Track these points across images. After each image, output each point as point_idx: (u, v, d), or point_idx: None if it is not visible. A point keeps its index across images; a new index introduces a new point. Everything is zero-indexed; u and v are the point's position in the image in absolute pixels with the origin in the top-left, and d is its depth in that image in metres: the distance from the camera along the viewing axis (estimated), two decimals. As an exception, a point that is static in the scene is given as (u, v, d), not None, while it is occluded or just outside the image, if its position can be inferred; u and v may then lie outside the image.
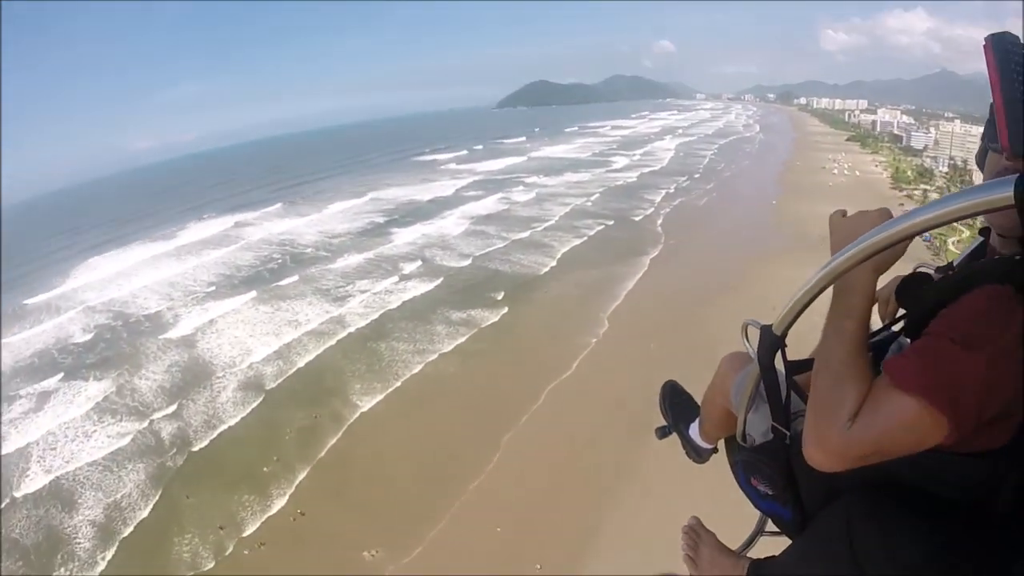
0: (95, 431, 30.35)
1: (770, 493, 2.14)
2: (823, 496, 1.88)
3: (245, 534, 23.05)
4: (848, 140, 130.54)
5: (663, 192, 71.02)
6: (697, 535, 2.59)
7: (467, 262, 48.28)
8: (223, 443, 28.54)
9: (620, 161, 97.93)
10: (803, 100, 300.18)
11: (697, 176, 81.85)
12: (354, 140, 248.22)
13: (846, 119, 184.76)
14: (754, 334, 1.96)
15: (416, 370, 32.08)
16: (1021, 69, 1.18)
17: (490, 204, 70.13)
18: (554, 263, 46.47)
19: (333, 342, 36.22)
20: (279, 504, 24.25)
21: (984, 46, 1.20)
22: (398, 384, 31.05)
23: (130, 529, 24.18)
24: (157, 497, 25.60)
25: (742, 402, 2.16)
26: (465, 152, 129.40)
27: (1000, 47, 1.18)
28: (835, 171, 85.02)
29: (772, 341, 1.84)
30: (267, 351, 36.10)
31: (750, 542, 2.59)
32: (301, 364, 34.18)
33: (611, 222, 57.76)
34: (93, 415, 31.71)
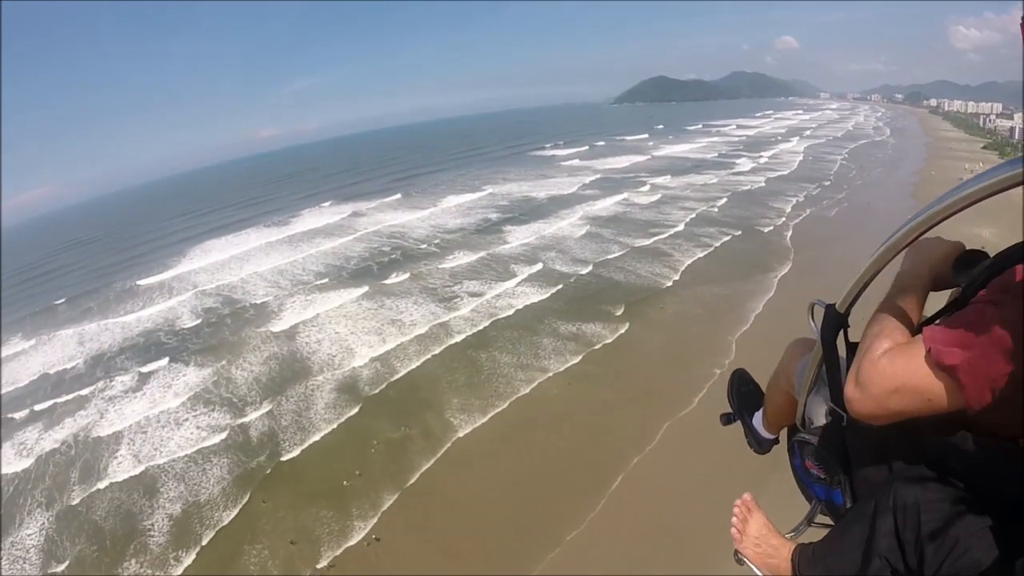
0: (188, 421, 30.00)
1: (823, 477, 2.29)
2: (875, 481, 1.97)
3: (315, 553, 21.42)
4: (984, 148, 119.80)
5: (792, 200, 66.36)
6: (748, 511, 2.64)
7: (584, 269, 45.47)
8: (308, 449, 27.26)
9: (746, 164, 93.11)
10: (933, 102, 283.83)
11: (827, 184, 76.43)
12: (471, 133, 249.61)
13: (980, 124, 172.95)
14: (820, 314, 2.07)
15: (521, 392, 29.54)
16: None
17: (610, 205, 67.01)
18: (677, 276, 43.13)
19: (436, 351, 34.28)
20: (355, 525, 22.47)
21: (1021, 24, 1.24)
22: (500, 408, 28.53)
23: (207, 531, 23.16)
24: (238, 499, 24.50)
25: (804, 384, 2.39)
26: (585, 148, 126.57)
27: None
28: None
29: (835, 319, 2.01)
30: (367, 353, 34.66)
31: (800, 528, 2.62)
32: (400, 372, 32.51)
33: (738, 232, 53.87)
34: (189, 405, 31.38)
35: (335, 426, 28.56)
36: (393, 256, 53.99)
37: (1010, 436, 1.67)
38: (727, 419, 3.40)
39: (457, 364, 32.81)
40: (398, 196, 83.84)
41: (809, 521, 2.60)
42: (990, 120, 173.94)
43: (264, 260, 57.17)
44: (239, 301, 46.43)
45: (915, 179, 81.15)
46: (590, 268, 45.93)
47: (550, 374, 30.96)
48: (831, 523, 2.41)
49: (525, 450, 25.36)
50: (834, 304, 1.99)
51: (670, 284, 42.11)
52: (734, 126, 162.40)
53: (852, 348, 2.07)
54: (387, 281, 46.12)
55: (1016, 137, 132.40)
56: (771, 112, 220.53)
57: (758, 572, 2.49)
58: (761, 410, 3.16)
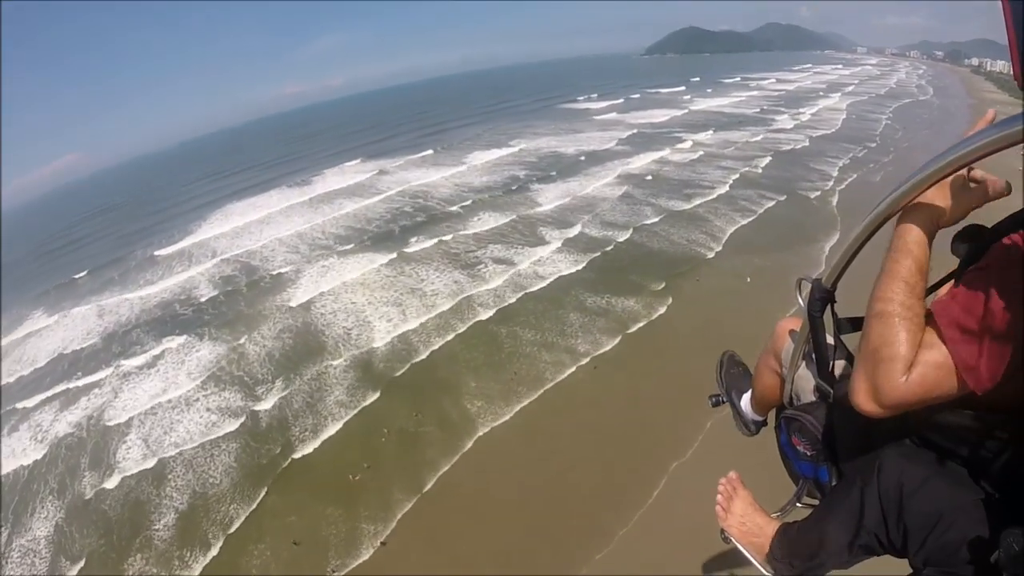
0: (200, 405, 28.18)
1: (809, 454, 2.34)
2: (861, 458, 2.03)
3: (317, 558, 19.42)
4: None
5: (837, 163, 62.85)
6: (734, 489, 2.77)
7: (621, 236, 42.32)
8: (322, 441, 25.00)
9: (787, 121, 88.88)
10: (975, 61, 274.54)
11: (873, 146, 72.57)
12: (500, 85, 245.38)
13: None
14: (807, 289, 2.14)
15: (549, 382, 26.75)
16: None
17: (647, 164, 63.44)
18: (720, 247, 40.01)
19: (461, 328, 31.80)
20: (362, 527, 20.35)
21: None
22: (526, 402, 25.73)
23: (216, 533, 21.27)
24: (249, 497, 22.51)
25: (792, 361, 2.47)
26: (619, 101, 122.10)
27: None
28: (1021, 152, 73.22)
29: (822, 294, 2.08)
30: (386, 328, 32.35)
31: (787, 508, 2.71)
32: (421, 354, 30.02)
33: (782, 197, 50.60)
34: (202, 387, 29.52)
35: (351, 415, 26.27)
36: (416, 218, 51.39)
37: (1007, 409, 1.66)
38: (715, 401, 3.65)
39: (481, 345, 30.26)
40: (423, 153, 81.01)
41: (797, 500, 2.64)
42: None
43: (285, 224, 54.98)
44: (257, 269, 44.37)
45: None
46: (627, 235, 42.86)
47: (582, 361, 28.13)
48: (817, 504, 2.41)
49: (552, 452, 22.69)
50: (820, 279, 2.05)
51: (712, 256, 39.09)
52: (773, 79, 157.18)
53: (839, 323, 2.14)
54: (409, 247, 43.60)
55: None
56: (809, 66, 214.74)
57: (743, 550, 2.52)
58: (749, 392, 3.28)
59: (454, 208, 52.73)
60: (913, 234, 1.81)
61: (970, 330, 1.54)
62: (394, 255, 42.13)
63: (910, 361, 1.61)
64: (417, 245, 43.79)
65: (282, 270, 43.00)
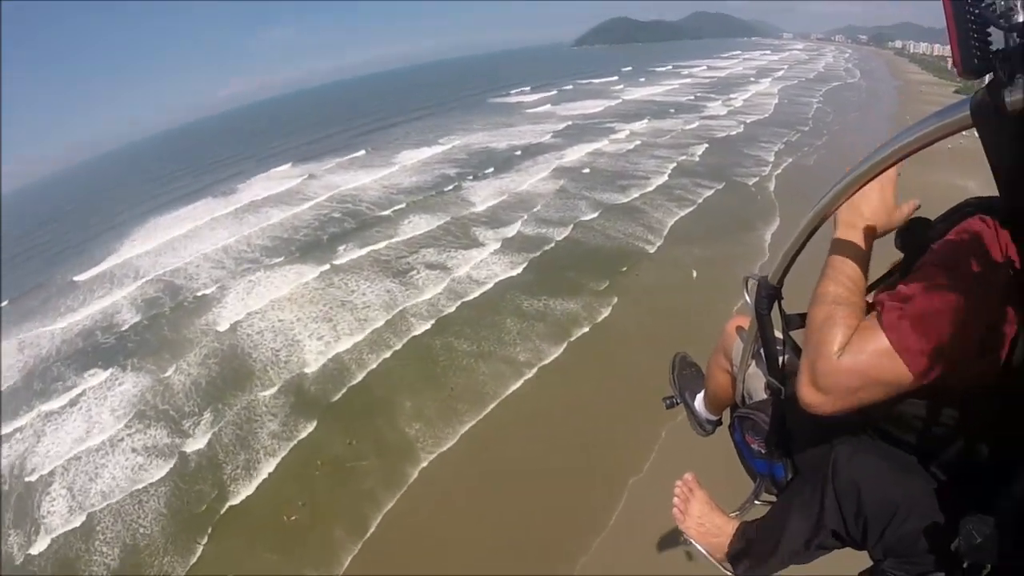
0: (127, 447, 25.68)
1: (764, 451, 2.32)
2: (815, 453, 2.01)
3: None
4: (956, 92, 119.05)
5: (772, 148, 63.06)
6: (690, 490, 2.75)
7: (559, 234, 40.83)
8: (256, 483, 22.66)
9: (721, 108, 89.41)
10: (898, 44, 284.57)
11: (806, 129, 73.42)
12: (431, 81, 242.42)
13: (949, 67, 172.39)
14: (755, 287, 2.10)
15: (495, 400, 24.78)
16: None
17: (582, 157, 62.28)
18: (661, 241, 38.88)
19: (397, 345, 29.68)
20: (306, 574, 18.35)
21: None
22: (472, 423, 23.70)
23: None
24: (182, 549, 20.17)
25: (742, 360, 2.46)
26: (551, 93, 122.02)
27: None
28: None
29: (769, 292, 2.05)
30: (317, 349, 30.23)
31: (746, 507, 2.69)
32: (355, 377, 27.88)
33: (720, 185, 50.12)
34: (127, 426, 27.02)
35: (287, 449, 24.04)
36: (346, 225, 49.14)
37: (959, 397, 1.68)
38: (669, 403, 3.58)
39: (419, 362, 28.25)
40: (354, 154, 78.60)
41: (755, 498, 2.59)
42: None
43: (210, 238, 52.09)
44: (181, 289, 41.63)
45: (891, 124, 78.30)
46: (566, 233, 41.38)
47: (528, 374, 26.31)
48: (772, 500, 2.42)
49: (503, 478, 20.81)
50: (766, 276, 2.02)
51: (654, 250, 37.94)
52: (704, 67, 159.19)
53: (788, 320, 2.11)
54: (339, 257, 41.41)
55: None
56: (739, 52, 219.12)
57: (703, 551, 2.53)
58: (703, 392, 3.27)
59: (385, 212, 50.65)
60: (854, 228, 1.84)
61: (908, 315, 1.53)
62: (324, 266, 40.01)
63: (844, 343, 1.60)
64: (347, 254, 41.71)
65: (207, 290, 40.44)
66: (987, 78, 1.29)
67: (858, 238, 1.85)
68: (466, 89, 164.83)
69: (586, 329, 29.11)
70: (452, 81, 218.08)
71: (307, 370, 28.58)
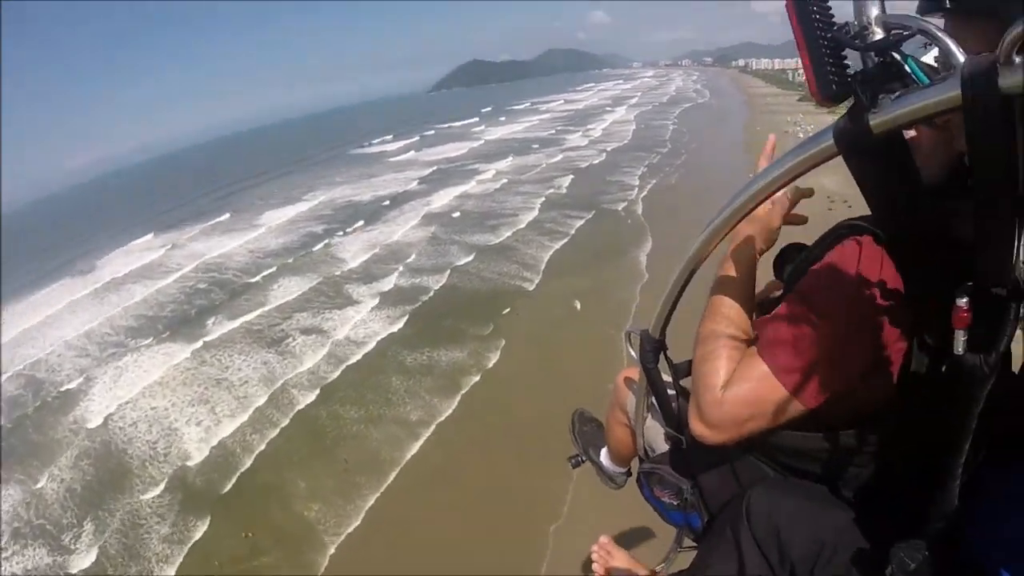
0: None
1: (675, 503, 2.28)
2: (728, 498, 1.96)
3: None
4: (800, 100, 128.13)
5: (635, 173, 65.08)
6: (608, 553, 2.73)
7: (436, 283, 39.88)
8: None
9: (582, 139, 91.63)
10: (741, 62, 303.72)
11: (665, 151, 76.18)
12: (289, 137, 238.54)
13: (790, 79, 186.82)
14: (638, 341, 2.07)
15: (395, 469, 23.17)
16: (819, 19, 1.23)
17: (450, 201, 62.00)
18: (539, 277, 38.67)
19: (283, 422, 27.57)
20: None
21: (785, 5, 1.25)
22: (374, 498, 21.93)
23: None
24: None
25: (637, 414, 2.42)
26: (413, 139, 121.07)
27: (799, 4, 1.23)
28: (800, 134, 77.98)
29: (652, 344, 2.03)
30: (196, 436, 27.81)
31: (670, 557, 2.62)
32: (243, 465, 25.62)
33: (590, 214, 50.80)
34: (3, 552, 23.76)
35: (182, 556, 21.57)
36: (214, 296, 46.57)
37: (851, 425, 1.69)
38: (575, 462, 3.45)
39: (308, 437, 26.44)
40: (217, 219, 75.33)
41: (677, 547, 2.57)
42: (798, 74, 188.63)
43: (71, 322, 48.21)
44: (44, 384, 38.02)
45: (744, 135, 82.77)
46: (443, 280, 40.46)
47: (424, 435, 24.94)
48: (695, 545, 2.39)
49: (419, 554, 19.05)
50: (647, 329, 2.02)
51: (533, 287, 37.57)
52: (561, 101, 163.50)
53: (676, 369, 2.11)
54: (209, 332, 39.01)
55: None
56: (593, 84, 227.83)
57: None
58: (606, 446, 3.20)
59: (253, 279, 48.40)
60: (731, 264, 1.85)
61: (782, 338, 1.57)
62: (194, 344, 37.54)
63: (727, 377, 1.63)
64: (218, 328, 39.39)
65: (72, 383, 37.04)
66: (847, 102, 1.28)
67: (734, 270, 1.84)
68: (324, 143, 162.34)
69: (477, 378, 28.09)
70: (308, 136, 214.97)
71: (191, 462, 26.32)
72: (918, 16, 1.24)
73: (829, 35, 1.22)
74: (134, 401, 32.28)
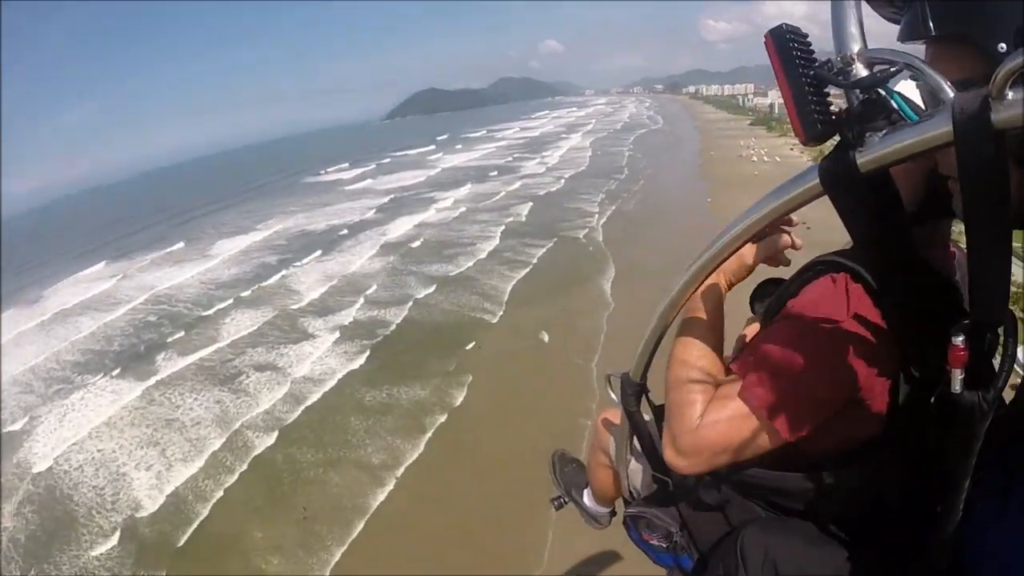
0: None
1: (664, 546, 2.21)
2: (718, 538, 1.94)
3: None
4: (751, 125, 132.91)
5: (594, 199, 65.56)
6: None
7: (397, 317, 38.73)
8: None
9: (539, 166, 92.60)
10: (691, 89, 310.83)
11: (622, 177, 77.17)
12: (243, 164, 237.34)
13: (741, 104, 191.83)
14: (618, 385, 2.05)
15: (360, 521, 21.73)
16: (800, 56, 1.21)
17: (409, 230, 61.30)
18: (503, 309, 37.90)
19: (240, 467, 26.01)
20: None
21: (765, 42, 1.23)
22: (338, 554, 20.48)
23: None
24: None
25: (620, 457, 2.38)
26: (371, 167, 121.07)
27: (779, 39, 1.21)
28: (754, 158, 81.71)
29: (633, 388, 2.00)
30: (147, 483, 26.14)
31: None
32: (195, 508, 24.11)
33: (551, 242, 50.48)
34: None
35: None
36: (165, 330, 44.72)
37: (830, 460, 1.70)
38: (558, 504, 3.38)
39: (267, 485, 24.94)
40: (169, 248, 73.29)
41: None
42: (748, 99, 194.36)
43: (16, 357, 45.71)
44: (-11, 422, 36.63)
45: (699, 160, 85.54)
46: (404, 314, 39.39)
47: (389, 483, 23.56)
48: None
49: None
50: (628, 373, 2.02)
51: (497, 319, 36.78)
52: (517, 128, 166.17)
53: (658, 412, 2.10)
54: (160, 368, 37.26)
55: (776, 112, 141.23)
56: (547, 112, 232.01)
57: None
58: (589, 487, 3.15)
59: (206, 312, 46.71)
60: (699, 305, 1.85)
61: (757, 374, 1.56)
62: (144, 381, 35.78)
63: (702, 409, 1.64)
64: (169, 364, 37.68)
65: (16, 424, 34.96)
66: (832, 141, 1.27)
67: (702, 311, 1.85)
68: (278, 170, 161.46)
69: (443, 418, 27.02)
70: (262, 164, 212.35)
71: (142, 512, 24.67)
72: (902, 50, 1.22)
73: (812, 72, 1.19)
74: (81, 443, 30.59)
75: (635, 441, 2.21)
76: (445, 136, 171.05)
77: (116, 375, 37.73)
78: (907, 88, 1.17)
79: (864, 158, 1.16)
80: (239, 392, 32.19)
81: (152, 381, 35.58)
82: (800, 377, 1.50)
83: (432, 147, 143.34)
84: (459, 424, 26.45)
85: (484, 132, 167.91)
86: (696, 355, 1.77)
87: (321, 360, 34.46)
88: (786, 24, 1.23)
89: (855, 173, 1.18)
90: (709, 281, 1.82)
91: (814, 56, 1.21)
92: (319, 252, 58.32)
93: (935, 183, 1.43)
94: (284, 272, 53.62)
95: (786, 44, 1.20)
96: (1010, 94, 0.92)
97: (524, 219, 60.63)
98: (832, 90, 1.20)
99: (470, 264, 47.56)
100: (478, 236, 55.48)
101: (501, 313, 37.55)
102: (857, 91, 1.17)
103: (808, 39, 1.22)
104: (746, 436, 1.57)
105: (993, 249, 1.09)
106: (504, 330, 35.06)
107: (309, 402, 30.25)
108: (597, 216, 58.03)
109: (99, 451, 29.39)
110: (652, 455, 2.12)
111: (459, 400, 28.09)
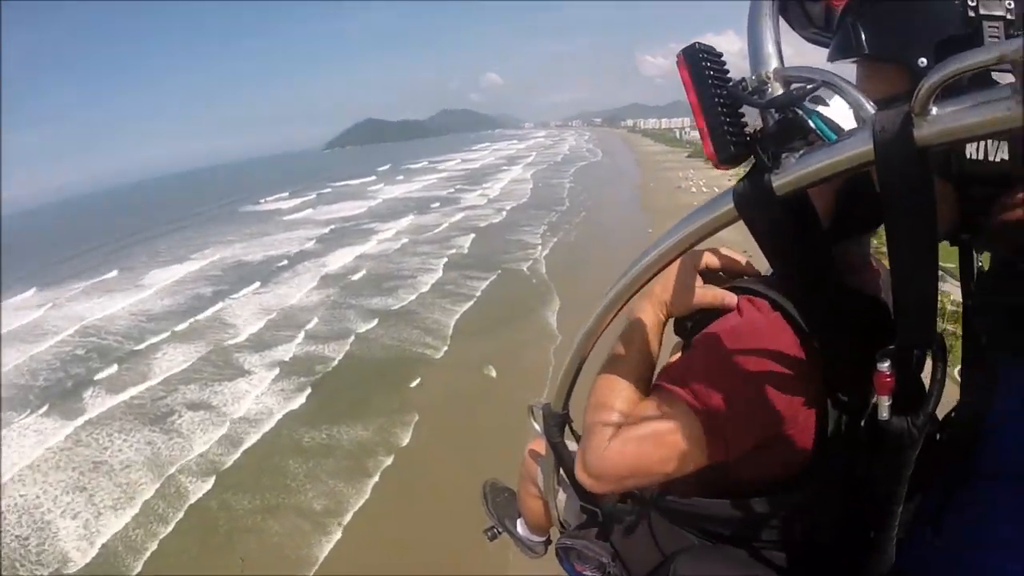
0: None
1: None
2: (652, 567, 1.91)
3: None
4: (689, 157, 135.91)
5: (537, 231, 65.94)
6: None
7: (338, 353, 37.78)
8: None
9: (481, 198, 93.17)
10: (630, 122, 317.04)
11: (564, 209, 78.16)
12: (179, 191, 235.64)
13: (678, 137, 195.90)
14: (540, 415, 2.01)
15: (311, 572, 20.84)
16: (713, 76, 1.18)
17: (349, 262, 60.35)
18: (447, 344, 37.29)
19: (176, 516, 24.66)
20: None
21: (677, 61, 1.21)
22: None
23: None
24: None
25: (548, 487, 2.31)
26: (311, 196, 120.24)
27: (691, 58, 1.19)
28: (692, 189, 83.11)
29: (555, 418, 1.94)
30: (74, 532, 24.70)
31: None
32: (127, 565, 22.62)
33: (494, 275, 50.46)
34: None
35: None
36: (93, 364, 42.72)
37: (760, 488, 1.63)
38: (492, 534, 3.24)
39: (203, 536, 23.54)
40: (101, 277, 70.76)
41: None
42: (685, 132, 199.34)
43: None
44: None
45: (639, 191, 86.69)
46: (345, 349, 38.46)
47: (336, 533, 22.51)
48: None
49: None
50: (549, 403, 1.97)
51: (441, 355, 36.21)
52: (458, 160, 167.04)
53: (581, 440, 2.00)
54: (87, 406, 35.49)
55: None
56: (488, 144, 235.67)
57: None
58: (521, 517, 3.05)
59: (137, 346, 44.89)
60: (633, 327, 1.77)
61: (677, 403, 1.48)
62: (72, 421, 34.02)
63: (614, 431, 1.57)
64: (97, 402, 35.90)
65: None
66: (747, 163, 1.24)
67: (638, 333, 1.74)
68: (216, 199, 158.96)
69: (389, 460, 26.26)
70: (199, 191, 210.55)
71: (70, 567, 23.22)
72: (821, 68, 1.18)
73: (725, 92, 1.16)
74: (3, 488, 28.71)
75: (562, 471, 2.13)
76: (386, 167, 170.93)
77: (42, 413, 35.88)
78: (839, 107, 1.10)
79: (780, 180, 1.13)
80: (172, 433, 30.80)
81: (80, 421, 33.88)
82: (713, 409, 1.41)
83: (373, 177, 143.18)
84: (406, 466, 25.67)
85: (425, 163, 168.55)
86: (616, 385, 1.66)
87: (258, 399, 33.26)
88: (699, 43, 1.19)
89: (770, 196, 1.15)
90: (643, 312, 1.75)
91: (728, 76, 1.18)
92: (256, 284, 56.92)
93: (853, 199, 1.40)
94: (220, 305, 52.07)
95: (699, 63, 1.17)
96: (934, 109, 0.91)
97: (466, 251, 60.46)
98: (749, 111, 1.16)
99: (412, 297, 46.92)
100: (420, 268, 54.96)
101: (445, 348, 36.96)
102: (773, 111, 1.13)
103: (723, 58, 1.19)
104: (654, 459, 1.49)
105: (918, 271, 1.07)
106: (449, 365, 34.45)
107: (247, 445, 29.07)
108: (540, 248, 58.18)
109: (22, 496, 27.74)
110: (578, 485, 1.96)
111: (405, 440, 27.37)
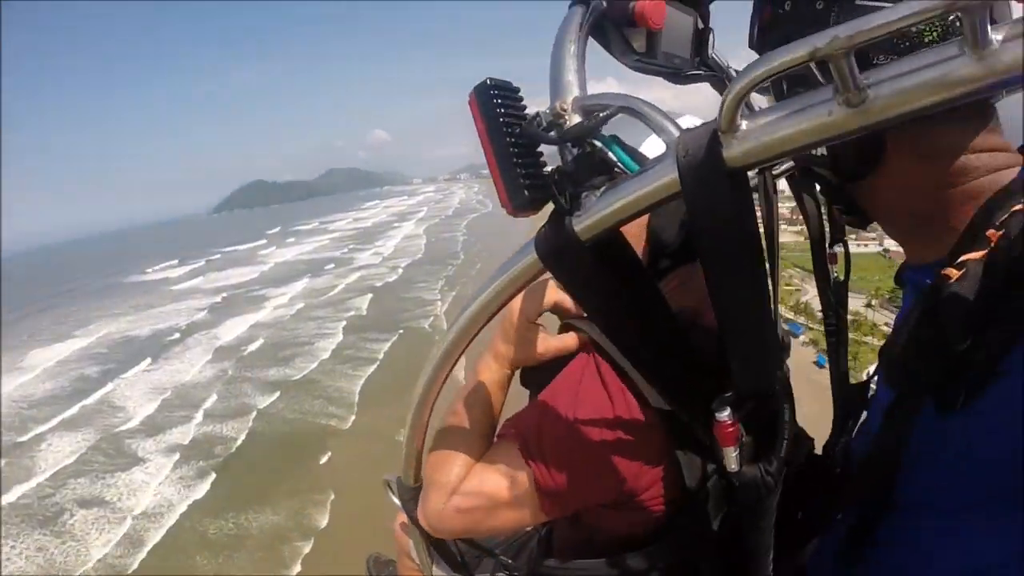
0: None
1: None
2: None
3: None
4: None
5: (435, 287, 66.46)
6: None
7: (240, 433, 36.39)
8: None
9: (375, 257, 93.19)
10: None
11: (459, 262, 79.15)
12: (55, 264, 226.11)
13: None
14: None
15: None
16: (505, 114, 1.02)
17: (245, 332, 58.87)
18: (355, 413, 36.55)
19: None
20: None
21: (469, 102, 1.05)
22: None
23: None
24: None
25: (423, 561, 2.01)
26: (200, 264, 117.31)
27: (482, 96, 1.03)
28: None
29: (410, 493, 1.73)
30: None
31: None
32: None
33: (396, 335, 50.25)
34: None
35: None
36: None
37: (626, 543, 1.47)
38: None
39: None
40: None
41: None
42: None
43: None
44: None
45: (532, 239, 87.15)
46: (248, 427, 37.10)
47: None
48: None
49: None
50: (399, 477, 1.74)
51: (350, 424, 35.44)
52: (349, 219, 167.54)
53: None
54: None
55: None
56: (378, 201, 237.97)
57: None
58: None
59: (20, 437, 41.95)
60: (475, 385, 1.54)
61: (509, 451, 1.34)
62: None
63: (454, 488, 1.41)
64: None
65: None
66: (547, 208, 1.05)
67: (483, 388, 1.52)
68: (97, 270, 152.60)
69: (308, 547, 25.24)
70: (78, 263, 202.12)
71: None
72: (621, 92, 1.03)
73: (517, 130, 1.00)
74: None
75: (430, 546, 1.87)
76: (276, 229, 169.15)
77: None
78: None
79: (582, 224, 0.96)
80: (65, 536, 28.87)
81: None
82: (550, 474, 1.27)
83: (263, 241, 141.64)
84: (329, 549, 24.65)
85: (316, 224, 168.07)
86: (456, 441, 1.47)
87: (157, 490, 31.57)
88: (491, 78, 1.03)
89: (573, 242, 0.98)
90: (486, 368, 1.51)
91: (525, 112, 1.02)
92: (147, 361, 54.53)
93: (671, 228, 1.33)
94: (108, 386, 49.55)
95: (490, 101, 1.01)
96: (744, 124, 0.80)
97: (365, 312, 60.11)
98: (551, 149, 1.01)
99: (313, 366, 46.11)
100: (318, 334, 54.19)
101: (353, 417, 36.32)
102: (569, 145, 0.99)
103: (520, 94, 1.03)
104: (489, 523, 1.38)
105: (744, 311, 0.95)
106: (359, 435, 33.77)
107: (150, 544, 27.42)
108: (439, 303, 58.30)
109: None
110: (450, 558, 1.82)
111: (323, 522, 26.51)
